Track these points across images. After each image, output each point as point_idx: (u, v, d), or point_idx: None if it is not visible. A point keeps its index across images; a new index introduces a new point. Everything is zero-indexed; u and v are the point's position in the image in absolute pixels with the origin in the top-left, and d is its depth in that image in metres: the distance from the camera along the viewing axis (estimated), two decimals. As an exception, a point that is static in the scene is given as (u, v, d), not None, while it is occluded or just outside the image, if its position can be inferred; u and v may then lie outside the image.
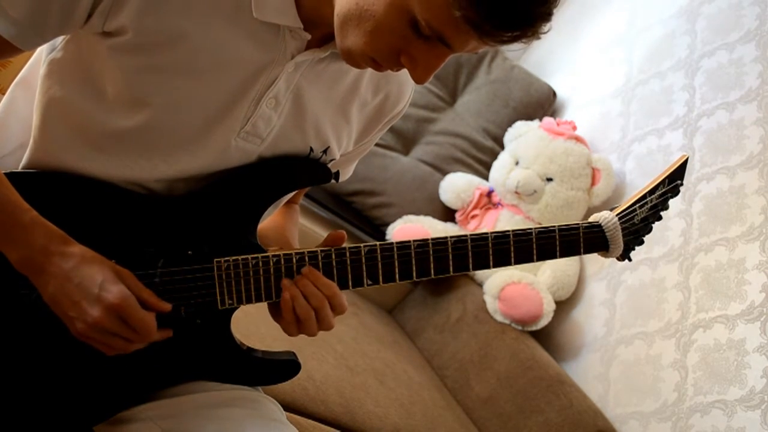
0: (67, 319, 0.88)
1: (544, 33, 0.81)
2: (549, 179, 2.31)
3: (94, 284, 0.86)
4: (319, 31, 0.92)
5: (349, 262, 0.97)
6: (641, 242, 1.07)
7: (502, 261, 0.99)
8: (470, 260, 0.98)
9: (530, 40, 0.80)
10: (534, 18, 0.78)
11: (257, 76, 0.92)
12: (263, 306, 1.02)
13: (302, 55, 0.93)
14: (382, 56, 0.85)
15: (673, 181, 1.05)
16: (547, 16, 0.79)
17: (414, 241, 0.97)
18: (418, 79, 0.85)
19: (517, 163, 2.38)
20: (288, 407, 1.48)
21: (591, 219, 1.04)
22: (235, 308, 0.99)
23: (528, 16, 0.77)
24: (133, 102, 0.90)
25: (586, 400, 2.01)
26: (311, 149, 1.01)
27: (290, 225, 1.17)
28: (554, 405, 1.98)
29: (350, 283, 0.98)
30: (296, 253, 0.97)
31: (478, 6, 0.75)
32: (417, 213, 2.41)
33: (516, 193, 2.32)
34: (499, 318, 2.22)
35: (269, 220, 1.15)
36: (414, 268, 0.98)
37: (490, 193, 2.44)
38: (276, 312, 1.01)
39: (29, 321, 0.94)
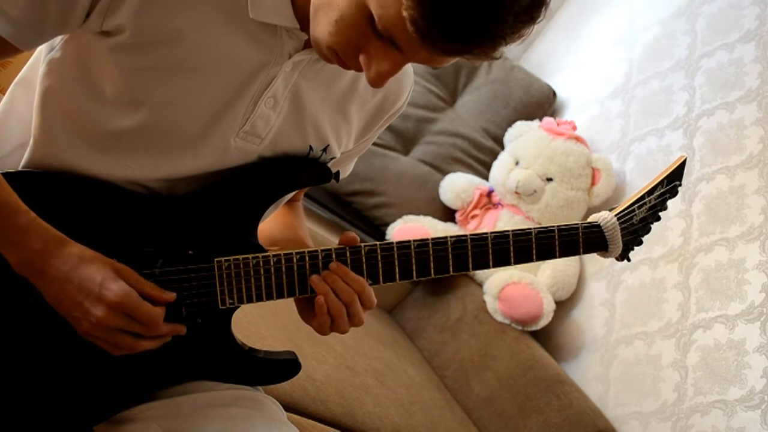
0: (72, 319, 0.88)
1: (497, 58, 0.77)
2: (549, 179, 2.31)
3: (95, 284, 0.86)
4: None
5: (349, 262, 0.97)
6: (640, 242, 1.07)
7: (501, 261, 0.99)
8: (470, 260, 0.99)
9: (479, 59, 0.77)
10: (486, 35, 0.74)
11: (255, 76, 0.92)
12: (263, 306, 1.02)
13: (299, 54, 0.93)
14: (344, 51, 0.83)
15: (671, 182, 1.05)
16: (500, 39, 0.75)
17: (414, 241, 0.97)
18: (371, 82, 0.83)
19: (517, 163, 2.38)
20: (288, 407, 1.48)
21: (590, 219, 1.04)
22: (236, 308, 0.99)
23: (479, 31, 0.73)
24: (131, 102, 0.90)
25: (586, 400, 2.01)
26: (311, 148, 1.01)
27: (300, 223, 1.18)
28: (554, 405, 1.98)
29: (350, 283, 0.98)
30: (296, 253, 0.97)
31: (424, 7, 0.72)
32: (417, 213, 2.41)
33: (516, 193, 2.33)
34: (499, 318, 2.22)
35: (276, 222, 1.15)
36: (414, 268, 0.98)
37: (490, 193, 2.44)
38: (306, 313, 1.02)
39: (29, 322, 0.94)
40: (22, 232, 0.86)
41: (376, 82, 0.83)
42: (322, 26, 0.84)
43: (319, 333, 1.00)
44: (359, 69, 0.84)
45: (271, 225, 1.14)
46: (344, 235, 0.98)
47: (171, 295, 0.92)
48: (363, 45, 0.82)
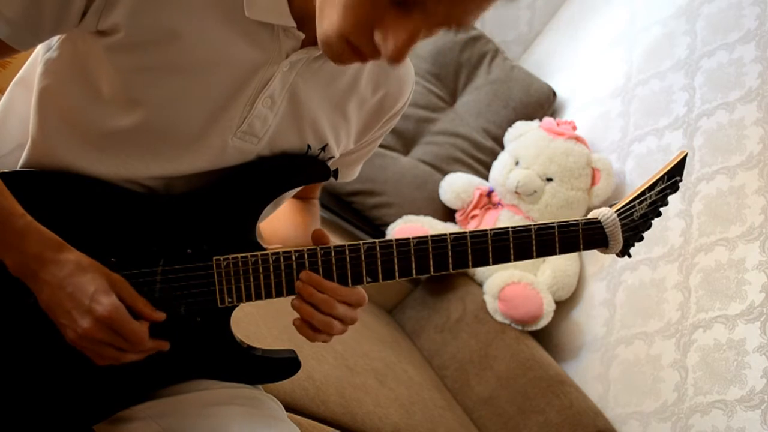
0: (60, 326, 0.88)
1: None
2: (549, 179, 2.31)
3: (86, 295, 0.86)
4: (313, 30, 0.91)
5: (348, 259, 0.97)
6: (641, 239, 1.06)
7: (501, 257, 0.99)
8: (469, 257, 0.98)
9: None
10: None
11: (252, 76, 0.92)
12: (263, 306, 1.02)
13: (297, 53, 0.92)
14: (358, 33, 0.80)
15: (672, 177, 1.05)
16: None
17: (413, 238, 0.97)
18: (391, 56, 0.79)
19: (517, 163, 2.37)
20: (288, 407, 1.48)
21: (590, 215, 1.03)
22: (235, 306, 0.99)
23: None
24: (128, 101, 0.90)
25: (586, 400, 2.01)
26: (309, 147, 1.01)
27: (311, 220, 1.17)
28: (554, 405, 1.98)
29: (349, 281, 0.98)
30: (295, 251, 0.97)
31: None
32: (417, 213, 2.41)
33: (516, 193, 2.32)
34: (499, 318, 2.21)
35: (287, 221, 1.15)
36: (413, 265, 0.98)
37: (490, 193, 2.44)
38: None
39: (29, 321, 0.93)
40: (18, 235, 0.86)
41: (396, 55, 0.78)
42: (330, 16, 0.80)
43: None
44: (375, 52, 0.81)
45: (285, 224, 1.14)
46: (314, 233, 0.98)
47: (161, 315, 0.92)
48: (377, 20, 0.78)
